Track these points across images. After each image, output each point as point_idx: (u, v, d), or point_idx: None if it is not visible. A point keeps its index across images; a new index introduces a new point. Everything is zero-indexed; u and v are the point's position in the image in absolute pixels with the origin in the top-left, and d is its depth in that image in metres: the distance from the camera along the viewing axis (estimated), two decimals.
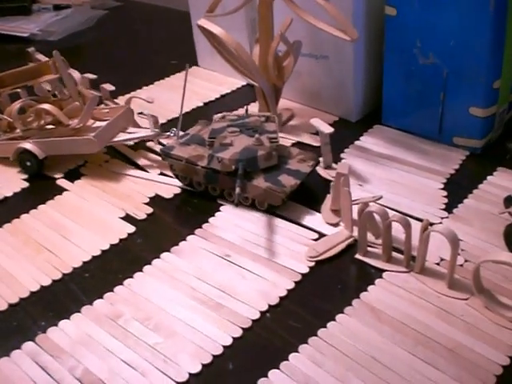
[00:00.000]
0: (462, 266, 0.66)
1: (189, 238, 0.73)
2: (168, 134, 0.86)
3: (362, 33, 0.87)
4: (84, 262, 0.71)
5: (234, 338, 0.59)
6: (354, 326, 0.60)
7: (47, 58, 1.09)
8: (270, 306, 0.62)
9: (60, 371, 0.57)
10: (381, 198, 0.68)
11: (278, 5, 0.86)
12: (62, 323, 0.63)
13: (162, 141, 0.91)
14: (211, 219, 0.76)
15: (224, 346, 0.58)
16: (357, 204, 0.66)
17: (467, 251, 0.68)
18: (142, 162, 0.89)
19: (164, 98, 1.05)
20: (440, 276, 0.64)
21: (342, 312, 0.61)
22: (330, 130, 0.78)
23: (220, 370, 0.56)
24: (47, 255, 0.72)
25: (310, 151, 0.82)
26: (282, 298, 0.63)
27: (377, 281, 0.65)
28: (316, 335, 0.59)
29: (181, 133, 0.84)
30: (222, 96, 1.07)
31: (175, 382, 0.55)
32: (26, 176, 0.88)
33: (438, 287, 0.63)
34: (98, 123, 0.91)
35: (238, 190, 0.71)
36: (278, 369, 0.56)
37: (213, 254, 0.70)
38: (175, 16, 1.45)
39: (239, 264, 0.68)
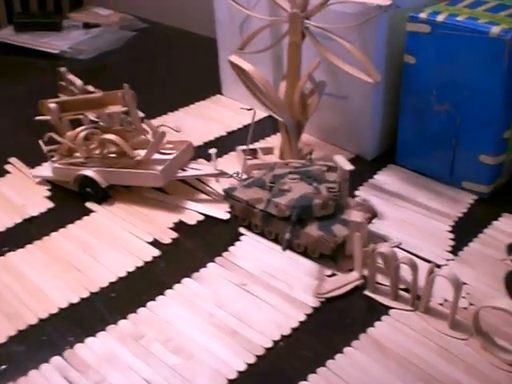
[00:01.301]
0: (466, 308, 0.70)
1: (209, 265, 0.78)
2: (231, 174, 0.90)
3: (382, 77, 0.92)
4: (110, 283, 0.76)
5: (248, 365, 0.64)
6: (360, 359, 0.64)
7: (78, 79, 1.15)
8: (282, 336, 0.67)
9: None
10: (400, 244, 0.71)
11: (306, 45, 0.91)
12: (89, 340, 0.68)
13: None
14: (231, 248, 0.81)
15: (238, 372, 0.63)
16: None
17: (472, 295, 0.72)
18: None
19: (189, 125, 1.10)
20: (443, 316, 0.69)
21: (350, 345, 0.66)
22: (351, 167, 0.82)
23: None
24: (76, 274, 0.77)
25: (370, 204, 0.83)
26: (294, 329, 0.68)
27: (383, 317, 0.69)
28: (325, 366, 0.63)
29: (244, 176, 0.88)
30: (245, 126, 1.12)
31: None
32: (49, 194, 0.93)
33: (440, 327, 0.68)
34: (158, 156, 0.92)
35: (287, 235, 0.75)
36: None
37: (230, 283, 0.75)
38: (201, 41, 1.50)
39: (255, 293, 0.73)
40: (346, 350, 0.65)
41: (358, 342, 0.66)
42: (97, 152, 0.91)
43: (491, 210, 0.87)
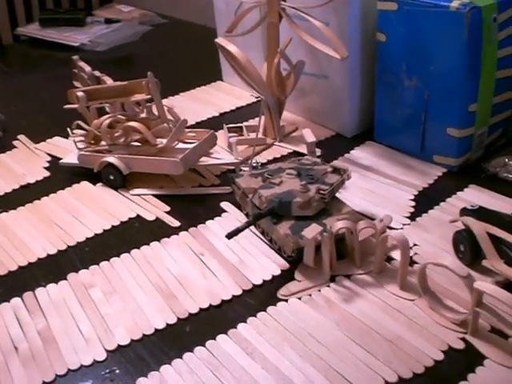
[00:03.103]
0: (411, 267, 0.72)
1: (181, 233, 0.82)
2: (252, 164, 0.91)
3: (357, 56, 0.97)
4: (87, 238, 0.82)
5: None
6: (303, 309, 0.68)
7: (87, 66, 1.23)
8: (210, 305, 0.70)
9: (29, 324, 0.68)
10: (391, 221, 0.74)
11: (285, 27, 0.96)
12: (50, 285, 0.74)
13: None
14: (209, 222, 0.84)
15: (156, 329, 0.66)
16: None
17: (420, 255, 0.75)
18: None
19: (185, 107, 1.16)
20: (396, 278, 0.71)
21: (299, 299, 0.70)
22: (313, 139, 0.87)
23: (178, 332, 0.66)
24: (57, 230, 0.84)
25: (361, 214, 0.81)
26: (224, 301, 0.70)
27: (337, 278, 0.72)
28: (265, 311, 0.68)
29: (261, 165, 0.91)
30: (238, 108, 1.18)
31: (105, 349, 0.64)
32: (47, 165, 1.00)
33: (391, 287, 0.70)
34: (181, 145, 0.94)
35: (242, 224, 0.73)
36: (226, 334, 0.65)
37: (191, 251, 0.78)
38: (211, 34, 1.56)
39: (207, 264, 0.76)
40: (291, 301, 0.69)
41: (308, 297, 0.69)
42: (121, 140, 0.93)
43: (458, 182, 0.89)
